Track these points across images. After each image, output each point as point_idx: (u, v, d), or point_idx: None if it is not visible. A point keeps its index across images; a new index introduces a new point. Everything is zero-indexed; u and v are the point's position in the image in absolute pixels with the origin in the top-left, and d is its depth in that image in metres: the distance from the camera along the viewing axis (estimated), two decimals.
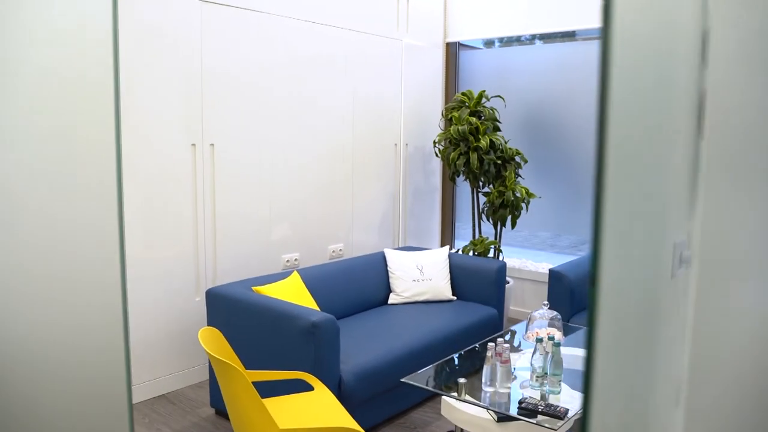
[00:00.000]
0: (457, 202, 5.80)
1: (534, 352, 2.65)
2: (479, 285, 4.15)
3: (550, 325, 2.92)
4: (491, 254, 4.89)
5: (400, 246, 5.21)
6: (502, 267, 4.13)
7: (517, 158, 4.76)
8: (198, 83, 3.61)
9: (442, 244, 5.75)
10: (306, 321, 2.84)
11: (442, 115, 4.86)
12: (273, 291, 3.28)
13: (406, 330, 3.52)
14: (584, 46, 4.97)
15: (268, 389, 3.01)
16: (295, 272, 3.59)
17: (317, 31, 4.30)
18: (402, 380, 2.72)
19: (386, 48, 4.89)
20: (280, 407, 2.41)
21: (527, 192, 4.59)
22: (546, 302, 2.95)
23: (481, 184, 4.78)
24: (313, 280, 3.72)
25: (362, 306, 4.00)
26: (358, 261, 4.11)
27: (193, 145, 3.63)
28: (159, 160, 3.48)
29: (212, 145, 3.72)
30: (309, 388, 2.88)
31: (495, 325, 4.06)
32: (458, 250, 4.79)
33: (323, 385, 2.58)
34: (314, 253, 4.44)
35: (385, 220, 5.01)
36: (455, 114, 4.70)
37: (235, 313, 3.14)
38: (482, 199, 4.91)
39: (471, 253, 4.65)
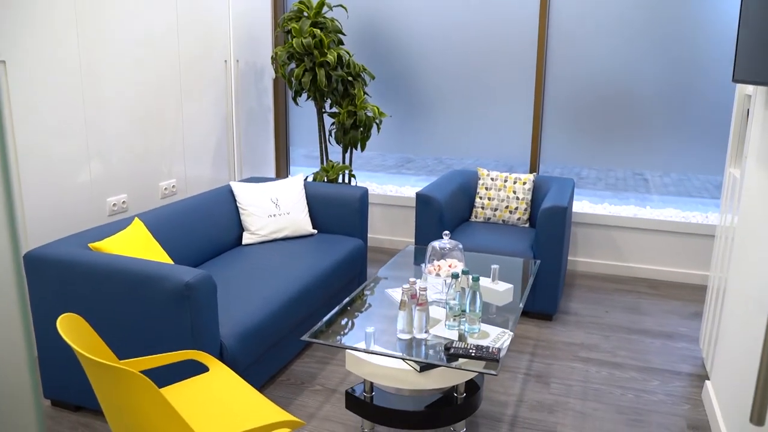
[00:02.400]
0: (291, 124, 5.30)
1: (448, 289, 2.39)
2: (341, 215, 3.79)
3: (452, 256, 2.68)
4: (341, 180, 4.53)
5: (238, 178, 4.63)
6: (365, 194, 3.79)
7: (364, 75, 4.37)
8: None
9: (278, 172, 5.26)
10: (177, 282, 2.28)
11: (279, 26, 4.27)
12: (116, 246, 2.63)
13: (276, 275, 3.07)
14: None
15: None
16: (137, 219, 2.93)
17: None
18: (304, 338, 2.31)
19: None
20: (179, 404, 1.88)
21: (378, 111, 4.25)
22: (447, 232, 2.69)
23: (327, 104, 4.34)
24: (155, 227, 3.09)
25: (214, 250, 3.45)
26: (202, 199, 3.51)
27: None
28: None
29: (3, 62, 2.83)
30: (197, 368, 2.36)
31: (363, 257, 3.76)
32: (307, 177, 4.35)
33: (219, 362, 2.09)
34: (144, 193, 3.73)
35: (219, 149, 4.38)
36: (295, 26, 4.14)
37: (72, 281, 2.46)
38: (328, 120, 4.48)
39: (324, 181, 4.25)
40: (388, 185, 5.07)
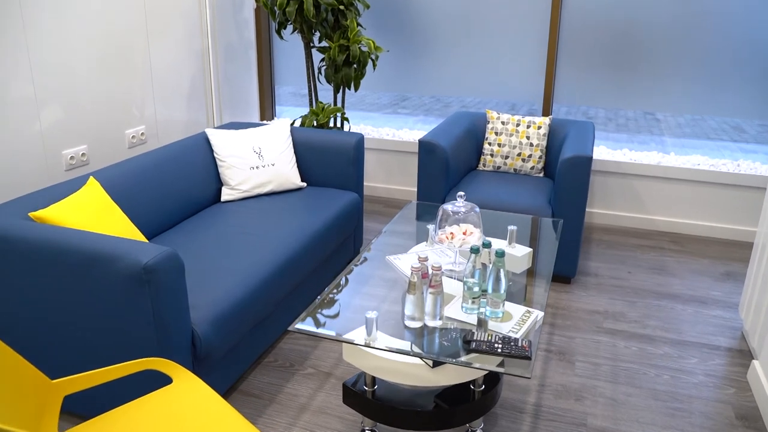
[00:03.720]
0: (276, 61, 4.77)
1: (466, 264, 1.98)
2: (333, 166, 3.34)
3: (466, 220, 2.26)
4: (332, 124, 4.06)
5: (218, 123, 4.14)
6: (360, 141, 3.34)
7: (357, 3, 3.84)
8: None
9: (262, 115, 4.76)
10: (132, 264, 1.86)
11: None
12: (63, 214, 2.19)
13: (259, 239, 2.66)
14: None
15: (88, 396, 2.04)
16: (92, 179, 2.47)
17: None
18: (292, 329, 1.92)
19: None
20: (131, 430, 1.49)
21: (374, 45, 3.74)
22: (461, 193, 2.25)
23: (315, 38, 3.82)
24: (116, 186, 2.64)
25: (188, 209, 3.01)
26: (172, 150, 3.05)
27: None
28: None
29: None
30: (160, 379, 1.96)
31: (359, 213, 3.34)
32: (294, 122, 3.87)
33: (184, 370, 1.69)
34: (108, 144, 3.26)
35: (194, 91, 3.88)
36: None
37: (2, 264, 2.03)
38: (317, 56, 3.97)
39: (313, 126, 3.78)
40: (384, 128, 4.60)
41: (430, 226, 2.57)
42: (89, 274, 1.92)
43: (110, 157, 3.28)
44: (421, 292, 1.92)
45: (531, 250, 2.55)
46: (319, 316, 2.01)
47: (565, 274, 3.22)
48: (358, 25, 3.81)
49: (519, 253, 2.52)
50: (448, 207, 2.28)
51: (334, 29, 3.75)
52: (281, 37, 3.85)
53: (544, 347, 2.70)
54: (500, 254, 1.92)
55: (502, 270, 1.93)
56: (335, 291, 2.17)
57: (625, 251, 3.67)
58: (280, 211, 2.98)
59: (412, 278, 1.89)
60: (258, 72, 4.62)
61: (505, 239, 2.62)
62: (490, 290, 1.96)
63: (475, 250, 1.95)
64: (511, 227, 2.54)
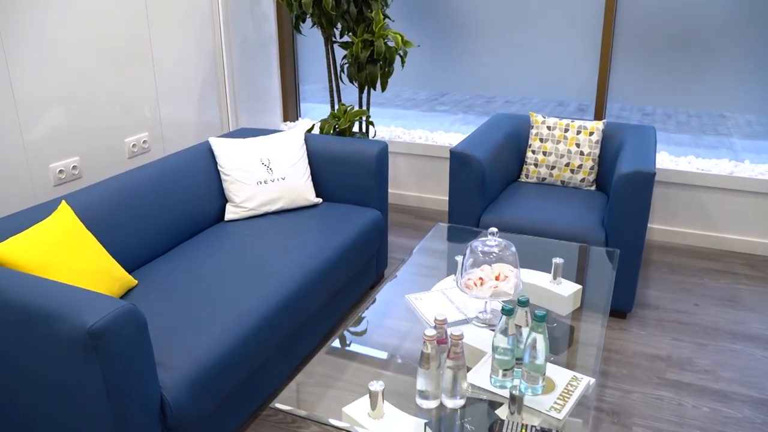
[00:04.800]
0: (300, 57, 4.39)
1: (498, 327, 1.56)
2: (352, 178, 2.94)
3: (500, 259, 1.83)
4: (357, 128, 3.66)
5: (234, 127, 3.79)
6: (383, 150, 2.93)
7: None
8: None
9: (286, 116, 4.39)
10: (75, 327, 1.49)
11: None
12: (17, 251, 1.85)
13: (259, 270, 2.28)
14: None
15: None
16: (63, 203, 2.14)
17: None
18: (274, 406, 1.54)
19: None
20: None
21: (403, 39, 3.32)
22: (494, 229, 1.83)
23: (337, 31, 3.43)
24: (99, 208, 2.30)
25: (186, 231, 2.66)
26: (170, 162, 2.70)
27: None
28: None
29: None
30: None
31: (381, 233, 2.93)
32: (313, 128, 3.48)
33: None
34: (104, 154, 2.93)
35: (206, 91, 3.53)
36: None
37: None
38: (340, 52, 3.58)
39: (332, 132, 3.38)
40: (417, 130, 4.17)
41: (459, 258, 2.15)
42: (27, 336, 1.57)
43: (107, 169, 2.95)
44: (438, 364, 1.51)
45: (580, 287, 2.12)
46: (304, 391, 1.63)
47: (619, 307, 2.76)
48: (385, 17, 3.39)
49: (565, 291, 2.09)
50: (478, 245, 1.85)
51: (357, 22, 3.34)
52: (299, 32, 3.46)
53: (593, 405, 2.26)
54: (540, 318, 1.49)
55: (542, 337, 1.50)
56: (335, 344, 1.78)
57: (690, 277, 3.17)
58: (289, 233, 2.60)
59: (425, 348, 1.48)
60: (280, 69, 4.25)
61: (549, 272, 2.19)
62: (526, 359, 1.54)
63: (507, 311, 1.52)
64: (557, 260, 2.11)
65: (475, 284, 1.80)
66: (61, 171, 2.73)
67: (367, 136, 3.55)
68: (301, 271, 2.32)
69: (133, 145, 3.08)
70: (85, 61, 2.76)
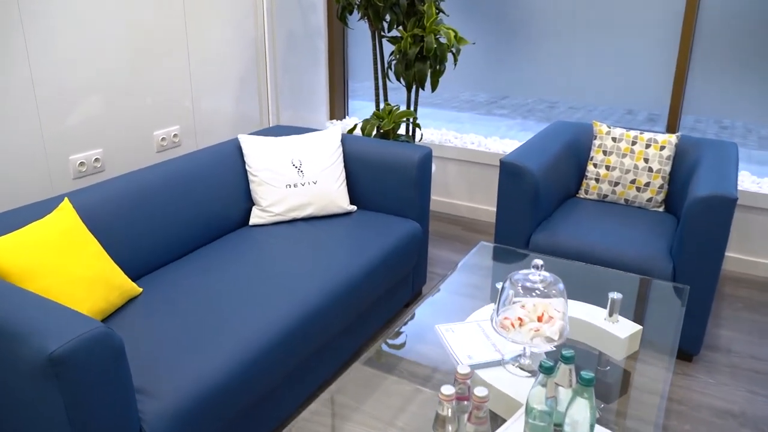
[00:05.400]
0: (350, 52, 4.16)
1: (535, 381, 1.28)
2: (391, 186, 2.68)
3: (545, 295, 1.54)
4: (403, 130, 3.40)
5: (274, 123, 3.59)
6: (426, 157, 2.66)
7: None
8: None
9: (332, 114, 4.17)
10: (35, 352, 1.29)
11: None
12: (7, 251, 1.67)
13: (276, 282, 2.05)
14: None
15: None
16: (65, 201, 1.96)
17: None
18: None
19: None
20: None
21: (456, 36, 3.04)
22: (539, 262, 1.54)
23: (385, 25, 3.17)
24: (109, 206, 2.12)
25: (208, 234, 2.46)
26: (194, 159, 2.51)
27: None
28: None
29: None
30: None
31: (420, 247, 2.66)
32: (355, 128, 3.24)
33: None
34: (131, 147, 2.77)
35: (245, 85, 3.33)
36: None
37: None
38: (389, 48, 3.34)
39: (375, 133, 3.13)
40: (470, 135, 3.88)
41: (500, 286, 1.87)
42: None
43: (132, 163, 2.79)
44: (456, 428, 1.24)
45: (639, 329, 1.80)
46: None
47: (684, 348, 2.41)
48: (439, 11, 3.11)
49: (622, 332, 1.79)
50: (520, 278, 1.56)
51: (407, 15, 3.08)
52: (345, 24, 3.22)
53: None
54: (587, 382, 1.20)
55: (587, 405, 1.21)
56: (347, 382, 1.54)
57: None
58: (315, 244, 2.37)
59: (441, 409, 1.22)
60: (328, 64, 4.02)
61: (604, 307, 1.89)
62: (565, 423, 1.25)
63: (547, 370, 1.24)
64: (614, 295, 1.80)
65: (513, 325, 1.52)
66: (81, 163, 2.57)
67: (413, 139, 3.29)
68: (323, 290, 2.08)
69: (162, 139, 2.91)
70: (113, 48, 2.59)
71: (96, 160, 2.63)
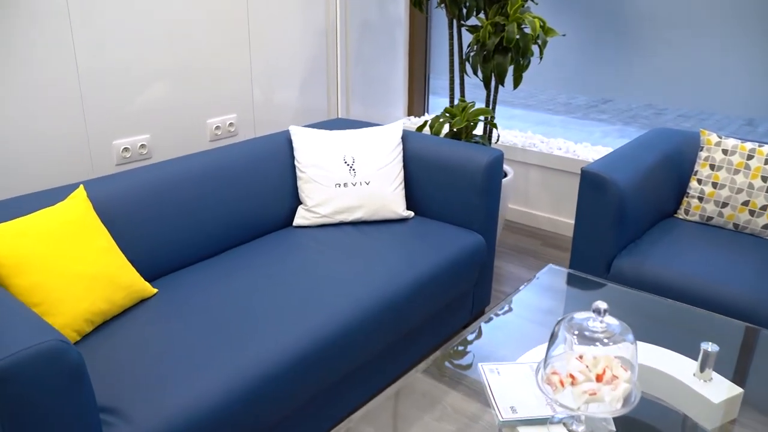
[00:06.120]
0: (434, 44, 3.86)
1: None
2: (455, 192, 2.37)
3: (607, 342, 1.19)
4: (479, 130, 3.07)
5: (340, 115, 3.35)
6: (495, 161, 2.32)
7: None
8: None
9: (410, 110, 3.89)
10: None
11: None
12: (5, 245, 1.51)
13: (306, 296, 1.80)
14: None
15: None
16: (80, 188, 1.79)
17: None
18: None
19: None
20: None
21: (543, 26, 2.67)
22: (602, 305, 1.18)
23: (464, 11, 2.85)
24: (134, 197, 1.95)
25: (244, 233, 2.25)
26: (239, 150, 2.30)
27: None
28: None
29: None
30: None
31: (482, 263, 2.33)
32: (424, 126, 2.94)
33: None
34: (181, 134, 2.60)
35: (313, 74, 3.11)
36: None
37: None
38: (467, 37, 3.01)
39: (445, 132, 2.81)
40: (558, 139, 3.48)
41: (560, 330, 1.52)
42: None
43: (181, 151, 2.63)
44: None
45: (740, 392, 1.41)
46: None
47: None
48: None
49: (716, 394, 1.41)
50: (578, 322, 1.22)
51: (490, 2, 2.74)
52: (422, 11, 2.93)
53: None
54: None
55: None
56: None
57: None
58: (361, 252, 2.09)
59: None
60: (409, 56, 3.74)
61: (695, 359, 1.51)
62: None
63: None
64: (708, 346, 1.42)
65: (562, 383, 1.18)
66: (125, 149, 2.42)
67: (489, 141, 2.95)
68: (360, 304, 1.81)
69: (217, 128, 2.73)
70: (164, 31, 2.43)
71: (142, 146, 2.48)
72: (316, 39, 3.07)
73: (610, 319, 1.18)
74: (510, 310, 1.76)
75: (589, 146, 3.38)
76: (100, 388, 1.40)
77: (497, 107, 3.71)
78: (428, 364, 1.51)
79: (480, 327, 1.66)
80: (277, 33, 2.87)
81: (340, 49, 3.21)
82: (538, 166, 3.39)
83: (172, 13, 2.43)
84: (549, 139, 3.48)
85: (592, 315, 1.18)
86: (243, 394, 1.47)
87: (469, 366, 1.51)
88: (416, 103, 3.90)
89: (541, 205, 3.45)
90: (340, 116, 3.34)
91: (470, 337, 1.62)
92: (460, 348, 1.58)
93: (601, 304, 1.17)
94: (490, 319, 1.70)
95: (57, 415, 1.16)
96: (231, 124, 2.79)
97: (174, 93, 2.53)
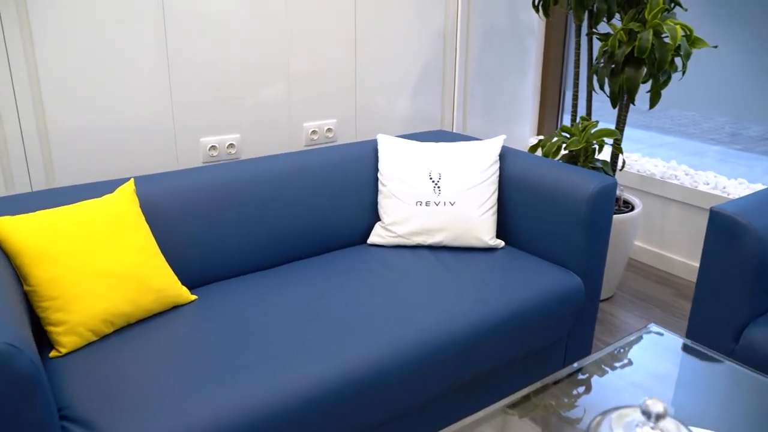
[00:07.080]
0: (570, 56, 3.49)
1: None
2: (553, 222, 2.03)
3: None
4: (601, 154, 2.68)
5: (458, 129, 3.10)
6: (604, 191, 1.95)
7: None
8: None
9: (540, 128, 3.54)
10: None
11: None
12: (32, 229, 1.45)
13: (353, 326, 1.58)
14: None
15: None
16: (130, 181, 1.71)
17: None
18: None
19: None
20: None
21: (689, 35, 2.25)
22: (657, 407, 0.85)
23: (592, 16, 2.49)
24: (196, 196, 1.85)
25: (312, 247, 2.07)
26: (320, 156, 2.14)
27: None
28: None
29: None
30: None
31: (578, 309, 1.97)
32: (538, 145, 2.61)
33: None
34: (273, 136, 2.50)
35: (425, 82, 2.89)
36: None
37: None
38: (597, 45, 2.63)
39: (559, 154, 2.46)
40: (708, 172, 2.97)
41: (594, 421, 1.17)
42: None
43: (272, 152, 2.52)
44: None
45: None
46: None
47: None
48: (673, 1, 2.35)
49: None
50: (628, 418, 0.88)
51: (624, 7, 2.36)
52: (547, 16, 2.61)
53: None
54: None
55: None
56: None
57: None
58: (434, 280, 1.84)
59: None
60: (542, 70, 3.40)
61: None
62: None
63: None
64: None
65: None
66: (213, 147, 2.36)
67: (614, 169, 2.55)
68: (420, 338, 1.56)
69: (313, 132, 2.60)
70: (266, 24, 2.33)
71: (230, 146, 2.40)
72: (433, 43, 2.85)
73: (666, 425, 0.83)
74: (600, 368, 1.42)
75: (746, 183, 2.84)
76: (86, 398, 1.28)
77: (626, 128, 3.25)
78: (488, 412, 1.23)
79: (588, 371, 1.35)
80: (388, 33, 2.69)
81: (459, 55, 2.96)
82: (679, 201, 2.90)
83: (271, 9, 2.33)
84: (697, 172, 2.98)
85: (641, 418, 0.84)
86: (249, 427, 1.28)
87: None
88: (548, 122, 3.54)
89: (677, 247, 2.95)
90: (455, 130, 3.09)
91: (551, 392, 1.31)
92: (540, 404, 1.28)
93: (660, 406, 0.83)
94: (584, 374, 1.38)
95: (5, 428, 1.04)
96: (329, 130, 2.65)
97: (269, 92, 2.43)
